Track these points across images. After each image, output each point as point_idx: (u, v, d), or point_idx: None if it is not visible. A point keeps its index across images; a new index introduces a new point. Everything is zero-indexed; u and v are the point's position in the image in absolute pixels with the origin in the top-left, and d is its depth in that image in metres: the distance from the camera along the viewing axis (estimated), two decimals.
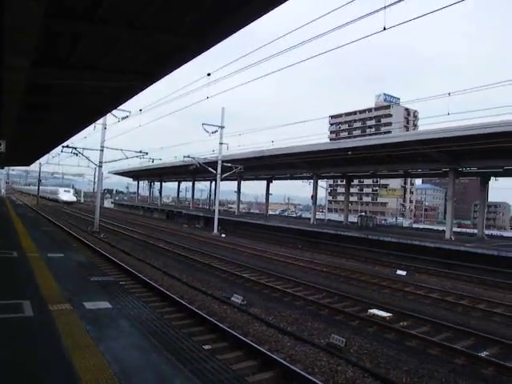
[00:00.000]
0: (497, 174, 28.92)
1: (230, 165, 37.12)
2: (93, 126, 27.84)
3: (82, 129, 23.47)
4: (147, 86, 11.30)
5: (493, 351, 9.78)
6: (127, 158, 36.17)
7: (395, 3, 7.92)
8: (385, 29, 8.89)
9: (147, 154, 35.32)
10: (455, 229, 34.35)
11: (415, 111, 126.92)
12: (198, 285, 14.72)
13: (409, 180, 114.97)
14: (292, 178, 47.62)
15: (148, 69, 10.11)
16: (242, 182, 51.49)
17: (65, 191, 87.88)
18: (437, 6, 9.14)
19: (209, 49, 8.55)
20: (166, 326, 6.47)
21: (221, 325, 9.75)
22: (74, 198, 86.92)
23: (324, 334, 10.07)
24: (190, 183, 66.30)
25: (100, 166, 34.00)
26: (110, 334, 5.28)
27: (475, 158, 26.02)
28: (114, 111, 23.04)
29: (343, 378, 7.60)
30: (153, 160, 37.82)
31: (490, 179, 29.27)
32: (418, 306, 13.60)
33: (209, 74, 13.40)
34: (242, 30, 7.55)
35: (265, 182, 49.64)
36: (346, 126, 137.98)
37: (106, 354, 4.51)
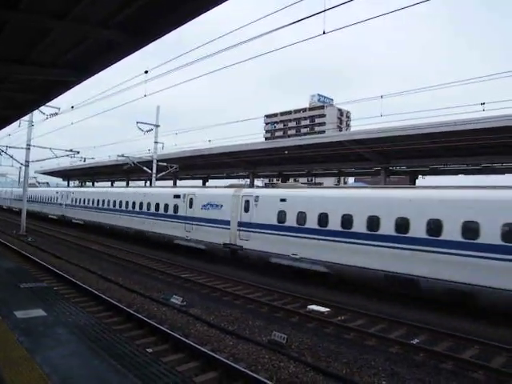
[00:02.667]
0: (424, 173, 30.63)
1: (165, 164, 36.45)
2: (17, 122, 26.18)
3: (6, 125, 22.02)
4: (80, 81, 10.82)
5: (423, 338, 10.37)
6: (57, 157, 34.48)
7: (334, 7, 8.11)
8: (324, 32, 9.10)
9: (78, 152, 33.89)
10: None
11: (348, 112, 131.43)
12: (136, 287, 14.34)
13: (342, 178, 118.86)
14: (228, 177, 47.56)
15: (81, 63, 9.67)
16: (177, 181, 50.73)
17: None
18: (373, 14, 9.50)
19: (144, 46, 8.32)
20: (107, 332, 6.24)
21: (161, 327, 9.57)
22: None
23: (265, 331, 10.18)
24: (124, 183, 64.33)
25: (26, 166, 32.10)
26: (46, 343, 4.99)
27: (404, 157, 27.39)
28: (42, 107, 21.79)
29: (286, 374, 7.73)
30: (84, 159, 36.33)
31: (417, 177, 30.94)
32: (352, 300, 14.05)
33: (146, 72, 13.05)
34: (180, 27, 7.44)
35: (200, 181, 49.28)
36: (281, 126, 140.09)
37: (44, 366, 4.25)
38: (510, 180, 27.33)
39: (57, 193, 40.98)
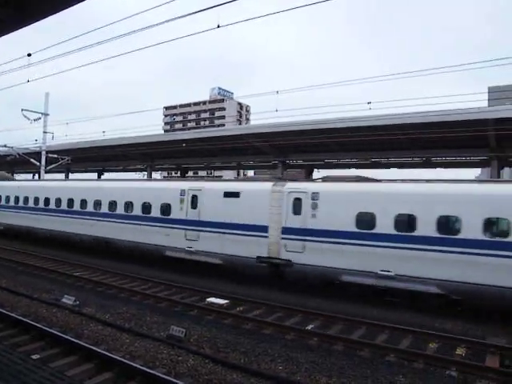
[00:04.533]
0: (319, 166, 32.19)
1: (56, 156, 34.05)
2: None
3: None
4: None
5: (317, 324, 10.95)
6: None
7: (229, 2, 8.13)
8: (219, 26, 9.15)
9: None
10: None
11: (247, 106, 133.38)
12: (22, 289, 13.23)
13: (241, 172, 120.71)
14: (125, 170, 45.90)
15: None
16: (70, 174, 47.85)
17: None
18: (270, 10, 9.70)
19: (29, 24, 7.64)
20: None
21: (50, 330, 8.93)
22: None
23: (164, 326, 10.00)
24: None
25: None
26: None
27: (301, 151, 28.55)
28: None
29: (185, 367, 7.67)
30: None
31: (313, 171, 32.45)
32: (251, 291, 14.35)
33: (29, 55, 11.96)
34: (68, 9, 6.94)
35: (95, 175, 47.01)
36: (180, 118, 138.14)
37: None
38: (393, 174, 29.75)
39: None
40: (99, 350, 7.83)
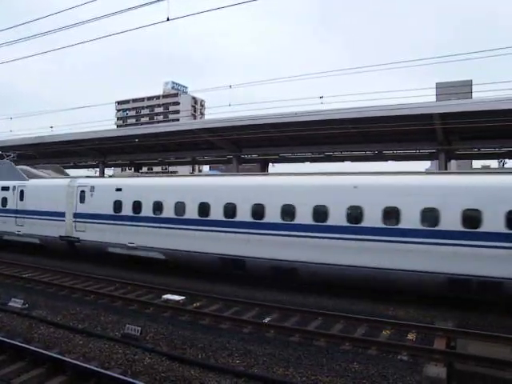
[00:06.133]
0: (275, 161, 32.40)
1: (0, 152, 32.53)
2: None
3: None
4: None
5: (274, 316, 11.04)
6: None
7: None
8: (168, 19, 9.06)
9: None
10: None
11: (202, 100, 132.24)
12: None
13: (197, 167, 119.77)
14: (76, 166, 44.46)
15: None
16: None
17: None
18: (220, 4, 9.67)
19: None
20: None
21: None
22: None
23: (119, 325, 9.82)
24: None
25: None
26: None
27: (256, 145, 28.62)
28: None
29: (141, 366, 7.56)
30: None
31: (268, 165, 32.61)
32: (207, 287, 14.31)
33: None
34: None
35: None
36: (133, 113, 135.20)
37: None
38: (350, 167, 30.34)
39: None
40: (50, 354, 7.56)
